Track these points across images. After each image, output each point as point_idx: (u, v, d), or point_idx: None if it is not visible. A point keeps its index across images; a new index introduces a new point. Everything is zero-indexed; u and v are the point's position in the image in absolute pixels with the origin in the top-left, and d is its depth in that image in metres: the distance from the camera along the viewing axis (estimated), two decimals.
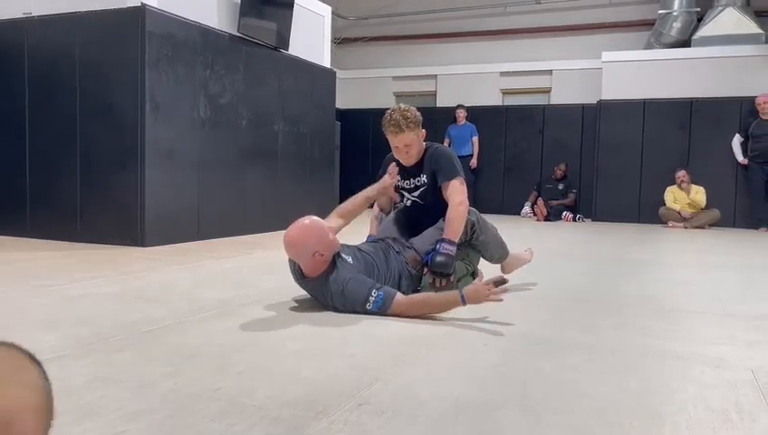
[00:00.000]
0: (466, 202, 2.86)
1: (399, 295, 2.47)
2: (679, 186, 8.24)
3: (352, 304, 2.47)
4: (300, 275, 2.59)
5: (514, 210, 9.52)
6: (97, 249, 4.50)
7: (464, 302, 2.35)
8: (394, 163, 3.01)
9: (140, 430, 1.36)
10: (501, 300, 2.33)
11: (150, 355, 1.93)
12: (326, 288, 2.51)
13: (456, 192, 2.84)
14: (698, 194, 8.16)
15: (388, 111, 2.88)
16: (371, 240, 2.97)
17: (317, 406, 1.52)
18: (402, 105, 2.91)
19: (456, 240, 2.78)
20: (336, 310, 2.55)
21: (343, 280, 2.49)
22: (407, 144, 2.87)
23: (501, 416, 1.50)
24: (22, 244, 4.71)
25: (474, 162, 9.51)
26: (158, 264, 3.90)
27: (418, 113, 2.89)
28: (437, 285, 2.72)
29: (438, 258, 2.70)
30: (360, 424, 1.42)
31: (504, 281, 2.30)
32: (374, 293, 2.44)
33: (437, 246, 2.74)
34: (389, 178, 2.95)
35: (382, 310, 2.43)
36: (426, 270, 2.78)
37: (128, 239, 4.70)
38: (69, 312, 2.51)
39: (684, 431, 1.44)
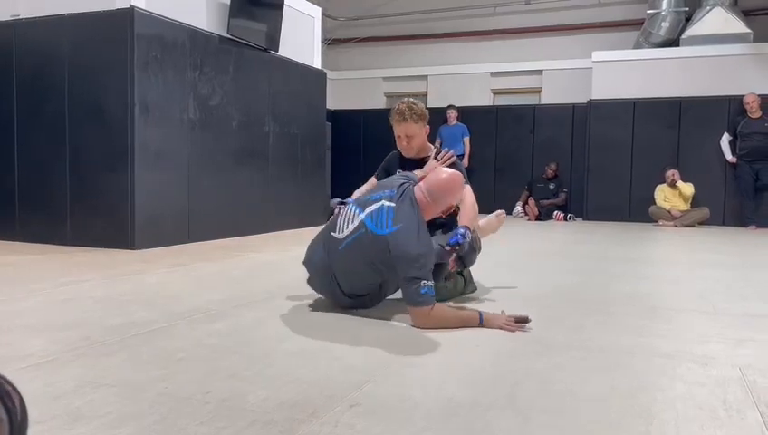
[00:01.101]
0: (476, 206, 2.96)
1: (435, 306, 2.36)
2: (671, 182, 8.29)
3: (412, 263, 2.31)
4: (405, 193, 2.50)
5: (506, 210, 9.51)
6: (87, 252, 4.47)
7: (481, 321, 2.35)
8: (450, 152, 3.04)
9: None
10: (513, 331, 2.30)
11: (140, 359, 1.92)
12: (410, 235, 2.36)
13: (470, 195, 2.94)
14: (685, 185, 8.22)
15: (398, 102, 3.00)
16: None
17: (308, 408, 1.52)
18: (411, 99, 3.03)
19: (471, 227, 2.80)
20: (376, 250, 2.42)
21: (423, 246, 2.38)
22: (408, 135, 2.96)
23: (492, 416, 1.50)
24: (10, 247, 4.68)
25: (465, 163, 9.52)
26: (149, 266, 3.88)
27: (426, 109, 3.02)
28: (452, 268, 2.71)
29: (468, 249, 2.66)
30: (350, 426, 1.42)
31: (527, 320, 2.31)
32: (430, 281, 2.34)
33: (464, 232, 2.67)
34: (439, 163, 2.95)
35: (424, 300, 2.30)
36: (449, 248, 2.69)
37: (118, 242, 4.68)
38: (58, 315, 2.49)
39: (672, 429, 1.45)
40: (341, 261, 2.52)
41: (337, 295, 2.64)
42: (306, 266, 2.72)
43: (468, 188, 3.00)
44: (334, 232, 2.56)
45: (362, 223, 2.45)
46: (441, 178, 2.55)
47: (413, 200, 2.47)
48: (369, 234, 2.41)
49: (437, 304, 2.39)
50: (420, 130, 3.00)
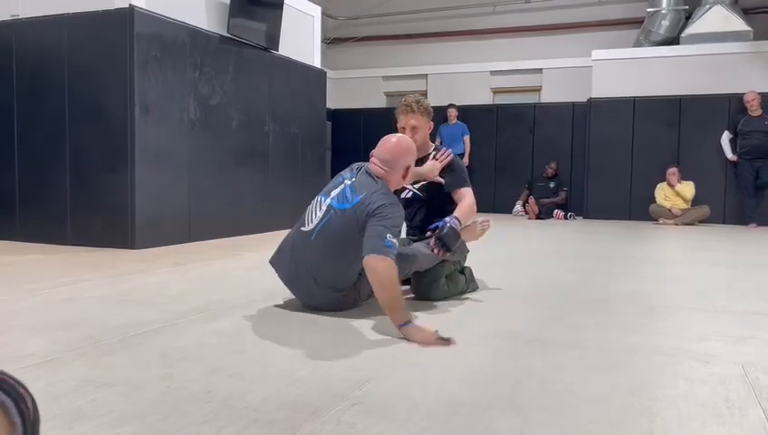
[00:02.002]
0: (475, 207, 3.02)
1: (393, 262, 2.29)
2: (669, 184, 8.29)
3: (376, 221, 2.36)
4: (361, 170, 2.62)
5: (506, 209, 9.55)
6: (87, 252, 4.47)
7: (405, 325, 2.19)
8: (448, 151, 3.09)
9: (132, 434, 1.35)
10: (426, 347, 2.11)
11: (141, 358, 1.92)
12: (376, 194, 2.45)
13: (470, 195, 3.03)
14: (685, 187, 8.22)
15: (404, 97, 3.07)
16: None
17: (309, 407, 1.52)
18: (418, 95, 3.11)
19: (463, 224, 2.84)
20: (348, 216, 2.45)
21: (394, 202, 2.48)
22: (413, 126, 3.00)
23: (493, 416, 1.50)
24: (10, 247, 4.67)
25: (465, 161, 9.52)
26: (149, 266, 3.88)
27: (431, 107, 3.09)
28: (437, 252, 2.73)
29: (447, 231, 2.72)
30: (351, 425, 1.42)
31: (449, 342, 2.13)
32: (395, 239, 2.34)
33: (449, 220, 2.76)
34: (438, 163, 3.01)
35: (387, 250, 2.27)
36: (430, 233, 2.77)
37: (118, 242, 4.68)
38: (58, 315, 2.49)
39: (674, 427, 1.45)
40: (315, 249, 2.53)
41: (311, 290, 2.59)
42: (274, 267, 2.72)
43: (469, 189, 3.04)
44: (303, 227, 2.61)
45: (329, 206, 2.56)
46: (390, 142, 2.63)
47: (370, 173, 2.59)
48: (338, 212, 2.51)
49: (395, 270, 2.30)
50: (425, 125, 3.04)
